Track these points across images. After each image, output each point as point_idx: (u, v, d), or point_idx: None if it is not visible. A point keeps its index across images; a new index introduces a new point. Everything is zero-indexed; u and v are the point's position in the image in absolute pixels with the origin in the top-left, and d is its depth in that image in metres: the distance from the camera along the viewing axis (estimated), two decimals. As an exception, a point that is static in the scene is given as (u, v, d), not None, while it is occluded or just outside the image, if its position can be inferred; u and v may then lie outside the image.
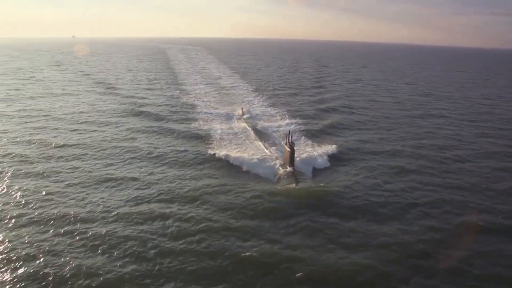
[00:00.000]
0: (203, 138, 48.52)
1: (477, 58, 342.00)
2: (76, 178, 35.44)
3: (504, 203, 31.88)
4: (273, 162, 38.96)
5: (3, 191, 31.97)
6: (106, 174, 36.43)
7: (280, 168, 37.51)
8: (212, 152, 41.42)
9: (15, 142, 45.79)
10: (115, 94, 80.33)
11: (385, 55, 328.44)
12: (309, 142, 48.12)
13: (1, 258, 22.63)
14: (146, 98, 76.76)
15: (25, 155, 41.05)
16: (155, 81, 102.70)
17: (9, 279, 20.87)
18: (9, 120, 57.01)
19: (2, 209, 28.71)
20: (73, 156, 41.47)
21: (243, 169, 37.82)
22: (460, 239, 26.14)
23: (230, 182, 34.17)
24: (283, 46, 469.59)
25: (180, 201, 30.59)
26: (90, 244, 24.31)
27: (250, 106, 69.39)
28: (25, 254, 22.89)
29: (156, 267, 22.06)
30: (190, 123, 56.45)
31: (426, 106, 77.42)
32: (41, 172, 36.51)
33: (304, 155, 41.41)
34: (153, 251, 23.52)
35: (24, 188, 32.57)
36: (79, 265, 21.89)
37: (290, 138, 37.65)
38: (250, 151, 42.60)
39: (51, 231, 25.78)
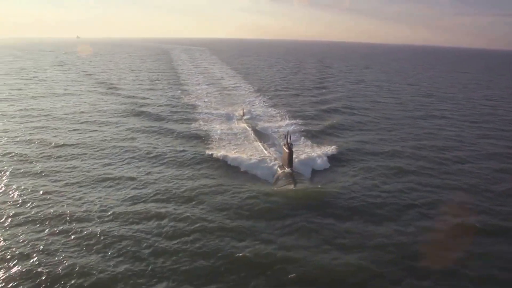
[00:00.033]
0: (203, 138, 48.52)
1: (480, 59, 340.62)
2: (74, 177, 35.55)
3: (502, 204, 31.67)
4: (272, 163, 38.84)
5: (1, 190, 32.09)
6: (104, 173, 36.51)
7: (278, 169, 37.41)
8: (211, 153, 41.40)
9: (15, 141, 46.00)
10: (116, 94, 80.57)
11: (389, 56, 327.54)
12: (309, 143, 47.98)
13: (-5, 258, 22.69)
14: (147, 98, 76.94)
15: (25, 154, 41.22)
16: (157, 82, 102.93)
17: (1, 278, 20.89)
18: (10, 119, 57.30)
19: (-1, 208, 28.79)
20: (72, 155, 41.60)
21: (241, 170, 37.80)
22: (456, 240, 26.01)
23: (227, 182, 34.14)
24: (287, 47, 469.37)
25: (177, 201, 30.60)
26: (85, 243, 24.36)
27: (251, 106, 69.30)
28: (19, 253, 22.96)
29: (149, 267, 22.05)
30: (190, 123, 56.49)
31: (428, 107, 77.11)
32: (40, 171, 36.64)
33: (303, 156, 41.23)
34: (147, 251, 23.52)
35: (22, 187, 32.69)
36: (72, 265, 21.91)
37: (288, 139, 37.53)
38: (249, 152, 42.52)
39: (47, 230, 25.84)
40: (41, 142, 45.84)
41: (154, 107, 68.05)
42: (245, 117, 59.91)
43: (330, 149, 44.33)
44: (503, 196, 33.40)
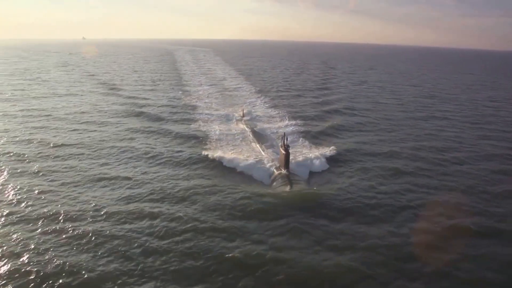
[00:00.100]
0: (201, 139, 48.51)
1: (485, 60, 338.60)
2: (70, 177, 35.68)
3: (499, 206, 31.35)
4: (268, 165, 38.70)
5: (-3, 190, 32.25)
6: (101, 173, 36.61)
7: (275, 170, 37.27)
8: (207, 153, 41.33)
9: (14, 141, 46.24)
10: (118, 95, 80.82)
11: (393, 57, 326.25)
12: (308, 144, 47.73)
13: (-15, 256, 22.76)
14: (148, 98, 77.14)
15: (23, 154, 41.42)
16: (159, 82, 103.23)
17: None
18: (11, 119, 57.67)
19: (-8, 207, 28.92)
20: (70, 155, 41.77)
21: (237, 171, 37.72)
22: (450, 242, 25.73)
23: (222, 183, 34.06)
24: (292, 48, 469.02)
25: (170, 201, 30.61)
26: (76, 242, 24.39)
27: (251, 107, 69.20)
28: (9, 252, 23.02)
29: (139, 267, 22.03)
30: (190, 124, 56.53)
31: (430, 108, 76.66)
32: (37, 171, 36.79)
33: (301, 158, 41.05)
34: (137, 251, 23.52)
35: (18, 186, 32.81)
36: (62, 264, 21.95)
37: (285, 140, 37.36)
38: (246, 153, 42.41)
39: (39, 229, 25.90)
40: (40, 142, 46.05)
41: (155, 107, 68.22)
42: (245, 118, 59.80)
43: (329, 150, 44.09)
44: (500, 197, 33.07)
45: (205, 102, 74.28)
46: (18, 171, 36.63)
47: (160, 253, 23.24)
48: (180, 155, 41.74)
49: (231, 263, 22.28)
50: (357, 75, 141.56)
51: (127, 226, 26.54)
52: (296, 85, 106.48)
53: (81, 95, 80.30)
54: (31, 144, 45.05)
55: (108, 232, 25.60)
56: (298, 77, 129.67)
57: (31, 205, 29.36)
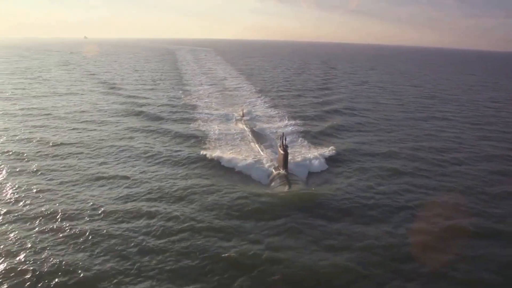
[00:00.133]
0: (200, 138, 48.49)
1: (486, 61, 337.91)
2: (69, 176, 35.69)
3: (497, 207, 31.25)
4: (267, 165, 38.65)
5: (-5, 188, 32.26)
6: (99, 172, 36.64)
7: (273, 170, 37.22)
8: (206, 153, 41.26)
9: (14, 140, 46.35)
10: (118, 94, 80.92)
11: (394, 57, 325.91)
12: (307, 144, 47.65)
13: (-19, 255, 22.75)
14: (148, 98, 77.17)
15: (22, 152, 41.47)
16: (159, 82, 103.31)
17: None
18: (11, 118, 57.76)
19: (-10, 206, 28.93)
20: (69, 154, 41.78)
21: (236, 171, 37.67)
22: (447, 242, 25.65)
23: (219, 183, 34.02)
24: (293, 48, 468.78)
25: (168, 200, 30.59)
26: (73, 241, 24.38)
27: (251, 107, 69.17)
28: (6, 250, 23.01)
29: (135, 266, 22.01)
30: (189, 124, 56.53)
31: (431, 108, 76.54)
32: (36, 169, 36.80)
33: (300, 158, 40.98)
34: (134, 250, 23.50)
35: (17, 185, 32.83)
36: (58, 263, 21.92)
37: (284, 140, 37.28)
38: (245, 153, 42.37)
39: (36, 228, 25.89)
40: (39, 140, 46.08)
41: (155, 107, 68.25)
42: (244, 117, 59.75)
43: (328, 150, 43.99)
44: (498, 198, 32.96)
45: (205, 102, 74.29)
46: (17, 169, 36.66)
47: (156, 253, 23.21)
48: (179, 155, 41.73)
49: (227, 263, 22.22)
50: (358, 75, 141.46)
51: (124, 225, 26.53)
52: (297, 85, 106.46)
53: (82, 94, 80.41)
54: (31, 143, 45.08)
55: (105, 231, 25.59)
56: (298, 77, 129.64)
57: (29, 204, 29.37)
